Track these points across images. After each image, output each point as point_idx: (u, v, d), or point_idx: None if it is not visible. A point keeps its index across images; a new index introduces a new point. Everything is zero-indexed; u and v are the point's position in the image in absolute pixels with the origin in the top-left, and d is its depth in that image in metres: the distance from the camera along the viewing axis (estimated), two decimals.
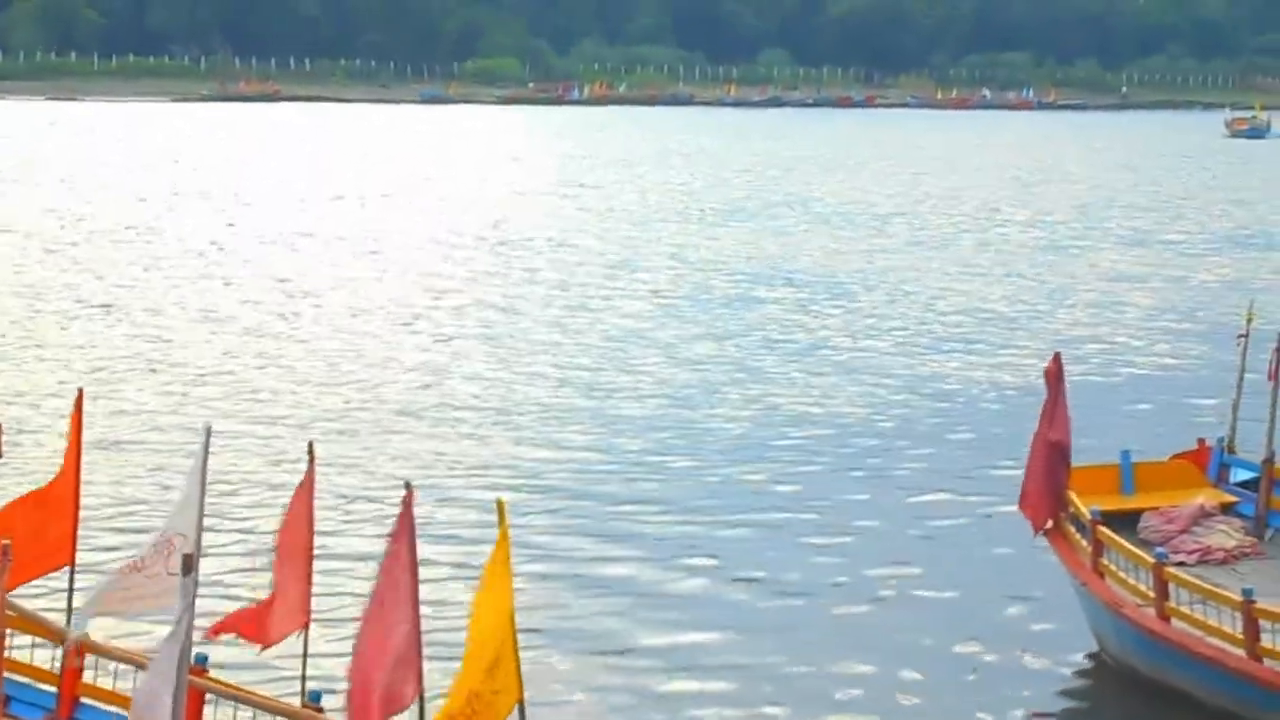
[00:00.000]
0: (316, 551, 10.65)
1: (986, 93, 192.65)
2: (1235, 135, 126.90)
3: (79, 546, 11.49)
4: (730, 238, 50.10)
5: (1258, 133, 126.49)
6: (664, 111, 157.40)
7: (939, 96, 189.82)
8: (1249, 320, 16.53)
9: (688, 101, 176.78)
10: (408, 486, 9.03)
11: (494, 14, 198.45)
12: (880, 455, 22.93)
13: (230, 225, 51.30)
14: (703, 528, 19.25)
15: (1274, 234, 53.24)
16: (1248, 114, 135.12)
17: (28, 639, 11.05)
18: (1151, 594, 13.47)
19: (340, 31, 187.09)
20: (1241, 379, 16.50)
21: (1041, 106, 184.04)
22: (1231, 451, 16.56)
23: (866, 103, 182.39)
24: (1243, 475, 16.30)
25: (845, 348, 31.28)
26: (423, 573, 9.35)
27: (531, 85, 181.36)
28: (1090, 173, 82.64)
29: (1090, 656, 15.25)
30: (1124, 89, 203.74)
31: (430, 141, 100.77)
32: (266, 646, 10.86)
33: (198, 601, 7.91)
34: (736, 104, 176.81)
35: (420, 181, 70.03)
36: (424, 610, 9.15)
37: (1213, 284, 40.81)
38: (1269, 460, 15.71)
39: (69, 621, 11.06)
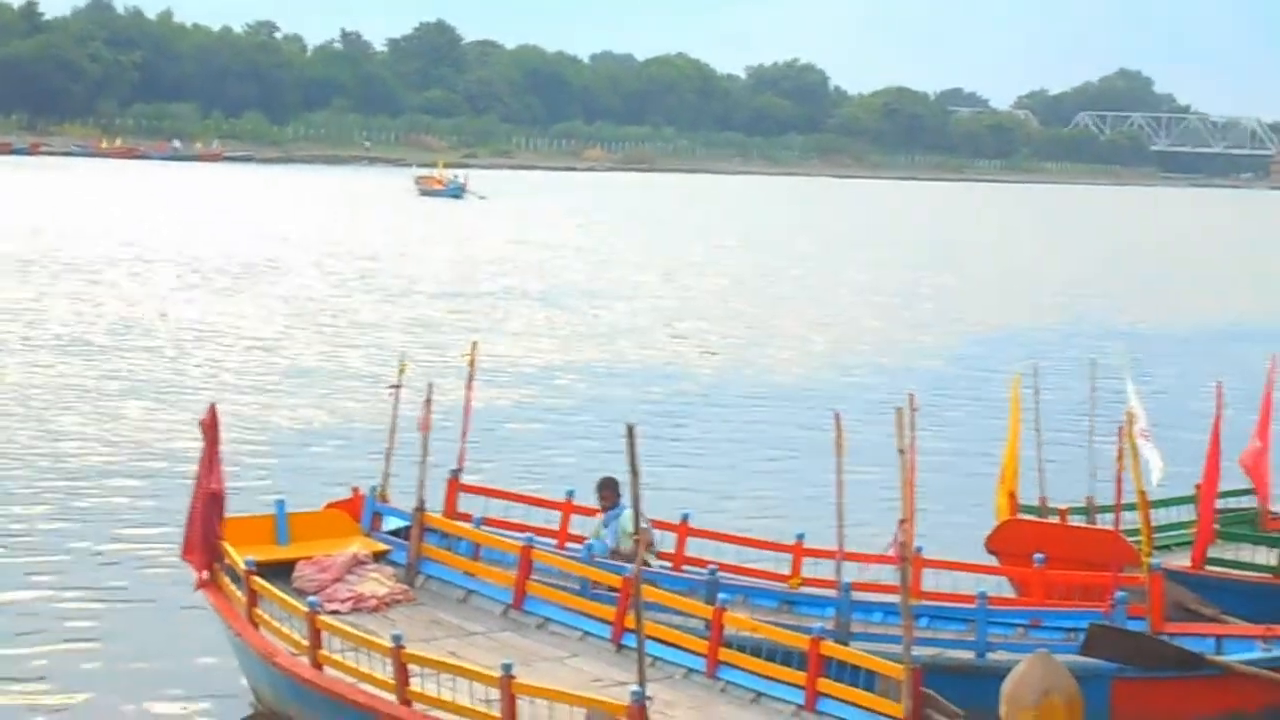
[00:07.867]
0: None
1: (177, 143, 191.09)
2: (428, 194, 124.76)
3: None
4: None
5: (455, 192, 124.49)
6: None
7: (104, 146, 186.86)
8: (401, 371, 16.97)
9: None
10: None
11: None
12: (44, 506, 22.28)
13: None
14: None
15: (425, 290, 54.99)
16: (438, 171, 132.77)
17: None
18: (306, 643, 13.60)
19: None
20: (394, 429, 16.88)
21: (210, 158, 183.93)
22: (384, 500, 16.95)
23: (30, 150, 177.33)
24: (395, 523, 16.71)
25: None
26: None
27: None
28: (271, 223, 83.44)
29: (251, 707, 15.20)
30: (367, 144, 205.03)
31: None
32: None
33: None
34: None
35: None
36: None
37: (423, 339, 41.29)
38: (419, 508, 16.16)
39: None
